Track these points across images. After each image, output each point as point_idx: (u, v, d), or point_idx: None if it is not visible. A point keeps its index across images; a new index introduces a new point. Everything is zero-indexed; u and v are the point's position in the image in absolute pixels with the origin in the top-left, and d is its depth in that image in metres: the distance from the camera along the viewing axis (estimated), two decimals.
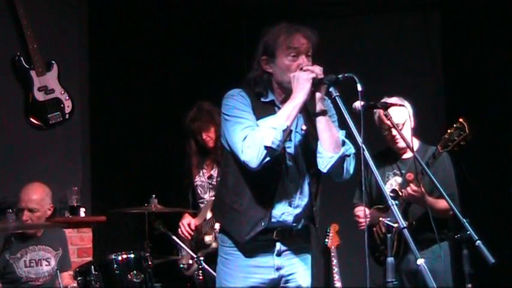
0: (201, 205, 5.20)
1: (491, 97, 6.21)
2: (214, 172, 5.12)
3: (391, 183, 4.37)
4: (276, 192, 3.05)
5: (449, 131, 3.94)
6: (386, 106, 3.33)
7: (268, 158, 2.92)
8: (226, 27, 6.59)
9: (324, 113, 3.01)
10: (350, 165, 3.06)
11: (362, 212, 4.36)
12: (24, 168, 5.46)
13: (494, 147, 6.05)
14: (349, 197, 4.62)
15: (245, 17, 6.64)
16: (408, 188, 4.11)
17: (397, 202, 2.71)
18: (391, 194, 4.26)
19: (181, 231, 5.16)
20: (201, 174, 5.20)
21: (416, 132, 4.33)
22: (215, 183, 5.06)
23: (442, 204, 3.97)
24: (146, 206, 4.81)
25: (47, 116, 5.63)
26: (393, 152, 4.38)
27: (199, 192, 5.21)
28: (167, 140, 6.06)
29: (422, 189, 4.04)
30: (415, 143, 4.35)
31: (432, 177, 3.50)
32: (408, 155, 4.31)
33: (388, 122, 3.95)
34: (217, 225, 4.82)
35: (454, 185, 4.29)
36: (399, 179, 4.35)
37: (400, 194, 4.22)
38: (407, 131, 3.98)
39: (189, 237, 5.14)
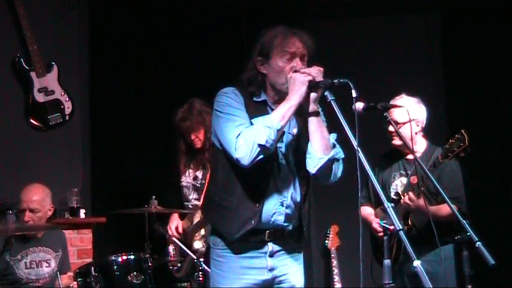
0: (189, 206, 5.16)
1: (491, 99, 6.21)
2: (199, 173, 5.08)
3: (397, 184, 4.38)
4: (267, 191, 3.06)
5: (450, 140, 3.95)
6: (386, 107, 3.33)
7: (261, 156, 2.93)
8: (226, 27, 6.59)
9: (316, 114, 3.03)
10: (338, 169, 3.08)
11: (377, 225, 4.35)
12: (24, 170, 5.46)
13: (494, 149, 6.05)
14: (349, 199, 4.61)
15: (245, 17, 6.64)
16: (406, 197, 4.11)
17: (393, 204, 2.70)
18: (394, 197, 4.27)
19: (170, 235, 5.12)
20: (187, 174, 5.17)
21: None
22: (199, 184, 5.03)
23: (445, 210, 3.96)
24: (146, 207, 4.81)
25: (47, 117, 5.63)
26: (399, 152, 4.38)
27: (185, 193, 5.18)
28: (167, 142, 6.06)
29: (421, 201, 4.03)
30: (423, 144, 4.37)
31: (433, 179, 3.51)
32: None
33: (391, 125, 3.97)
34: (202, 231, 4.82)
35: (461, 187, 4.29)
36: (405, 180, 4.35)
37: (403, 197, 4.22)
38: (407, 132, 3.99)
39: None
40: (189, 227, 5.07)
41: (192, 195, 5.14)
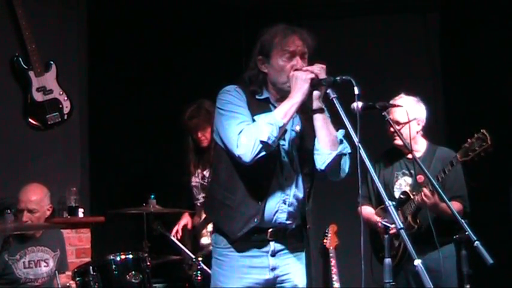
0: (198, 204, 5.20)
1: (489, 99, 6.21)
2: (207, 173, 5.11)
3: (400, 183, 4.37)
4: (270, 188, 3.06)
5: (469, 140, 3.95)
6: (385, 107, 3.34)
7: (262, 153, 2.93)
8: (225, 26, 6.59)
9: (321, 110, 3.03)
10: (346, 164, 3.08)
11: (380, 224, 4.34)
12: (22, 169, 5.46)
13: (493, 148, 6.05)
14: (348, 198, 4.61)
15: (244, 17, 6.64)
16: (421, 194, 4.10)
17: (394, 203, 2.70)
18: (402, 196, 4.26)
19: (175, 231, 5.17)
20: (196, 174, 5.21)
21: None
22: (207, 184, 5.06)
23: (456, 207, 3.96)
24: (145, 207, 4.81)
25: (46, 116, 5.63)
26: (400, 150, 4.38)
27: (194, 192, 5.21)
28: (166, 141, 6.07)
29: (436, 197, 4.04)
30: (423, 144, 4.37)
31: (433, 181, 3.51)
32: (416, 154, 4.29)
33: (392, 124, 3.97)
34: (209, 227, 4.84)
35: (464, 187, 4.30)
36: (409, 179, 4.35)
37: (412, 196, 4.22)
38: (408, 131, 3.99)
39: (179, 237, 5.16)
40: (198, 223, 5.10)
41: (201, 194, 5.17)
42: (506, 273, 4.89)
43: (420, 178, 4.12)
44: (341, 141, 3.06)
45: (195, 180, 5.20)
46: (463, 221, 3.06)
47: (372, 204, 4.45)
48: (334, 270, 5.64)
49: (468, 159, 3.98)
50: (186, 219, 5.22)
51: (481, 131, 3.92)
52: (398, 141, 4.27)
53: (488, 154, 3.92)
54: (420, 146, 4.36)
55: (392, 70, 6.52)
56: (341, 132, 3.06)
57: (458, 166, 4.26)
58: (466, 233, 3.02)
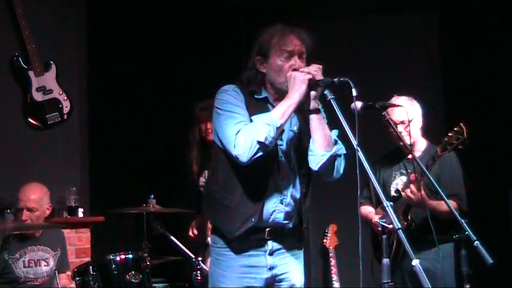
0: None
1: (489, 99, 6.22)
2: None
3: (397, 183, 4.38)
4: (267, 189, 3.06)
5: (449, 134, 3.95)
6: (384, 107, 3.34)
7: (259, 154, 2.93)
8: (225, 26, 6.59)
9: (317, 111, 3.04)
10: (340, 165, 3.09)
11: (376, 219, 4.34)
12: (22, 169, 5.46)
13: (492, 148, 6.06)
14: (347, 198, 4.61)
15: (244, 16, 6.64)
16: (407, 190, 4.11)
17: (391, 203, 2.70)
18: (395, 194, 4.27)
19: (191, 233, 5.19)
20: (203, 176, 5.20)
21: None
22: None
23: (445, 206, 3.97)
24: (144, 207, 4.81)
25: (46, 116, 5.63)
26: (401, 152, 4.38)
27: (203, 192, 5.21)
28: (166, 141, 6.07)
29: (422, 193, 4.04)
30: (423, 143, 4.38)
31: (431, 178, 3.51)
32: (416, 153, 4.29)
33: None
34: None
35: (461, 184, 4.29)
36: (405, 178, 4.35)
37: (403, 194, 4.23)
38: (410, 130, 4.00)
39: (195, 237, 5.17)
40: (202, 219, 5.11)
41: None
42: (506, 273, 4.89)
43: (413, 176, 4.13)
44: (335, 142, 3.06)
45: (202, 181, 5.20)
46: (462, 220, 3.06)
47: (372, 204, 4.46)
48: (334, 270, 5.66)
49: (447, 152, 3.98)
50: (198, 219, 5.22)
51: (459, 124, 3.92)
52: (401, 142, 4.27)
53: (466, 146, 3.91)
54: (420, 146, 4.37)
55: (392, 70, 6.52)
56: (335, 132, 3.07)
57: (455, 164, 4.26)
58: (466, 233, 3.02)
